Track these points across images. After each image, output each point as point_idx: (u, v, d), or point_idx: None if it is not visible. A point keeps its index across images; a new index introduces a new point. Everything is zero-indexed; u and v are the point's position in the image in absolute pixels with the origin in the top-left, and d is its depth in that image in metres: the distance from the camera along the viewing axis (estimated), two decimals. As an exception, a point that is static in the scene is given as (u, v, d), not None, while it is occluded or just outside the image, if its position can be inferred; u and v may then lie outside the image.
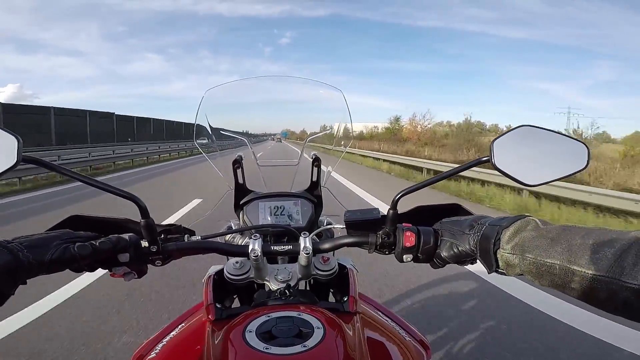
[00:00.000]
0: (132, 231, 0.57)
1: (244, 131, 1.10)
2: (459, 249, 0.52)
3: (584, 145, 0.49)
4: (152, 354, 0.61)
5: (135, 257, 0.54)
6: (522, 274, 0.44)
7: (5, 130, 0.46)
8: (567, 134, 0.52)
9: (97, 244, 0.51)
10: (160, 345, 0.63)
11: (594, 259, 0.35)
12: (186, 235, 0.62)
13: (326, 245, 0.62)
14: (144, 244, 0.55)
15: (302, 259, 0.60)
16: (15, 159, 0.44)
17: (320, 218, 0.82)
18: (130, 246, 0.54)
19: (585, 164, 0.49)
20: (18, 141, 0.45)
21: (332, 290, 0.73)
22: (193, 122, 0.81)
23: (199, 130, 0.84)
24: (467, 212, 0.61)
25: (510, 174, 0.49)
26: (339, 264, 0.67)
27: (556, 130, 0.52)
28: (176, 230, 0.62)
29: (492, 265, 0.46)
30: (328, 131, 0.96)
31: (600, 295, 0.34)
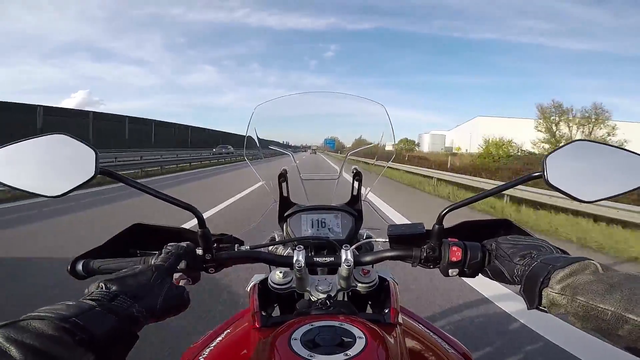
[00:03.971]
0: (188, 240, 0.61)
1: (283, 142, 1.13)
2: (505, 275, 0.51)
3: None
4: (200, 359, 0.64)
5: (191, 265, 0.58)
6: (565, 314, 0.41)
7: (85, 143, 0.47)
8: (624, 147, 0.49)
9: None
10: (207, 350, 0.66)
11: None
12: (236, 245, 0.65)
13: (368, 258, 0.63)
14: (199, 252, 0.59)
15: (344, 270, 0.60)
16: (93, 172, 0.46)
17: (360, 231, 0.83)
18: (187, 254, 0.57)
19: None
20: (96, 154, 0.47)
21: (370, 303, 0.73)
22: (239, 133, 0.86)
23: (248, 142, 0.88)
24: (518, 229, 0.59)
25: (565, 190, 0.47)
26: (379, 276, 0.68)
27: (613, 144, 0.50)
28: (227, 239, 0.65)
29: (534, 302, 0.44)
30: (370, 146, 0.97)
31: None
